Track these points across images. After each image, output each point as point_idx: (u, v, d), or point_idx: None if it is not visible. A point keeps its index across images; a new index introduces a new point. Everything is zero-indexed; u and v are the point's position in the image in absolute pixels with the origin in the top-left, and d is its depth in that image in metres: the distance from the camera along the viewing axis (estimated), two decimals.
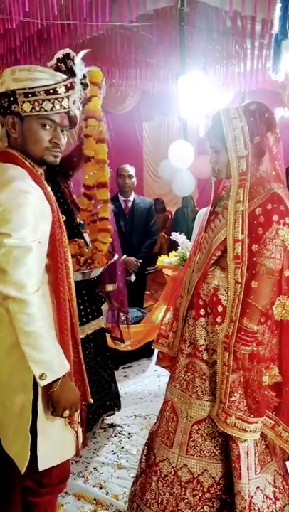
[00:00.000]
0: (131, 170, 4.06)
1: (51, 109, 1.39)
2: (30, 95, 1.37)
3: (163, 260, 3.80)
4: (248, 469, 1.63)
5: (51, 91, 1.38)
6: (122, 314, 2.71)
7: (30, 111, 1.37)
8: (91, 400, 1.65)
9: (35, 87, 1.37)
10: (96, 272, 2.28)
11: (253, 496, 1.63)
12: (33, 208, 1.33)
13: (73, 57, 1.48)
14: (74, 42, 4.49)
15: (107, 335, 2.69)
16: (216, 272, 1.70)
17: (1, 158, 1.41)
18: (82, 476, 2.38)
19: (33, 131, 1.41)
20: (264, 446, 1.71)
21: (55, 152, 1.45)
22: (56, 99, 1.39)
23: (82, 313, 2.37)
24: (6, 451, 1.47)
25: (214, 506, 1.74)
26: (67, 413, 1.41)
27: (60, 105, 1.40)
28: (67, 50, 1.49)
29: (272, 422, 1.67)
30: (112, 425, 2.84)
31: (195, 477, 1.72)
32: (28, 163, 1.41)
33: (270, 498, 1.67)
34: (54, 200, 1.47)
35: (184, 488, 1.73)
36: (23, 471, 1.42)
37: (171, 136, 7.99)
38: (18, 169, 1.38)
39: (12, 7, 3.12)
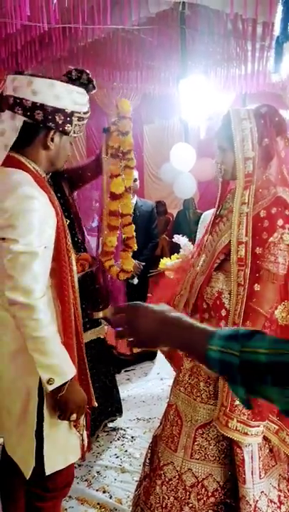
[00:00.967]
0: (135, 173, 4.06)
1: (80, 131, 1.49)
2: (81, 120, 1.47)
3: (165, 263, 3.79)
4: (252, 474, 1.62)
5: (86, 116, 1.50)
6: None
7: (75, 132, 1.47)
8: (95, 403, 1.65)
9: (85, 113, 1.48)
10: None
11: (257, 501, 1.62)
12: (39, 214, 1.34)
13: (90, 77, 1.53)
14: (75, 45, 4.51)
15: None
16: (220, 276, 1.69)
17: (5, 162, 1.41)
18: (86, 480, 2.37)
19: (66, 149, 1.51)
20: (268, 450, 1.70)
21: None
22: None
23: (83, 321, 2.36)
24: (10, 456, 1.47)
25: (219, 511, 1.73)
26: (74, 416, 1.42)
27: None
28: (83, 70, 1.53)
29: (276, 427, 1.66)
30: (115, 429, 2.84)
31: (199, 481, 1.71)
32: (31, 167, 1.42)
33: (274, 503, 1.66)
34: (58, 204, 1.48)
35: (188, 493, 1.72)
36: (28, 476, 1.42)
37: (172, 138, 7.99)
38: (22, 174, 1.38)
39: (14, 11, 3.13)
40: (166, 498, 1.75)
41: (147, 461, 1.92)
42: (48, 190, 1.44)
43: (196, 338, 0.77)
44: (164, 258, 4.21)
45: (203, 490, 1.71)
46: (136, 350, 3.43)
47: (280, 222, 1.58)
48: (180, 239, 3.69)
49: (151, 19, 4.18)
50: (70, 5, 3.35)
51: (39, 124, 1.40)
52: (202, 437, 1.72)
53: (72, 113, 1.43)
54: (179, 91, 4.30)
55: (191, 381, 1.75)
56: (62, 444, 1.48)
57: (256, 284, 1.60)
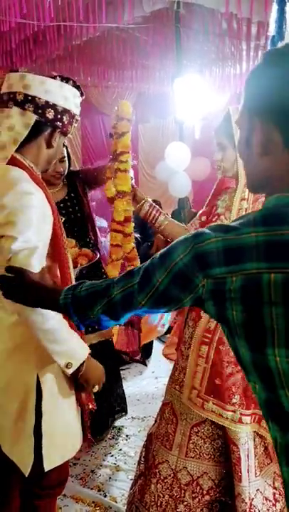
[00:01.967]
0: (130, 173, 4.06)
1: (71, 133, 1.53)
2: (76, 122, 1.50)
3: None
4: (248, 472, 1.63)
5: None
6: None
7: (70, 134, 1.50)
8: (94, 406, 1.66)
9: (78, 115, 1.50)
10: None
11: (253, 499, 1.63)
12: (37, 210, 1.34)
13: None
14: (70, 44, 4.49)
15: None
16: None
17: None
18: (81, 479, 2.37)
19: (61, 148, 1.54)
20: (263, 449, 1.70)
21: None
22: None
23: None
24: (5, 455, 1.46)
25: (214, 509, 1.74)
26: (96, 388, 1.49)
27: None
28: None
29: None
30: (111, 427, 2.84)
31: (194, 479, 1.72)
32: (27, 164, 1.42)
33: (269, 500, 1.67)
34: (53, 202, 1.47)
35: (183, 491, 1.72)
36: (27, 474, 1.41)
37: (166, 137, 7.99)
38: (19, 170, 1.38)
39: (8, 9, 3.12)
40: (161, 496, 1.75)
41: (142, 459, 1.93)
42: (44, 187, 1.44)
43: (53, 292, 1.07)
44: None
45: (198, 488, 1.72)
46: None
47: None
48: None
49: (146, 18, 4.18)
50: (65, 3, 3.35)
51: (47, 123, 1.41)
52: (197, 435, 1.72)
53: (74, 115, 1.47)
54: (174, 90, 4.31)
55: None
56: (60, 441, 1.48)
57: None
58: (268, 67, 0.81)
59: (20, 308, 1.29)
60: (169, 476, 1.75)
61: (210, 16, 4.22)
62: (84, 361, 1.42)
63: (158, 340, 3.92)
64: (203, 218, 1.86)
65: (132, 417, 2.97)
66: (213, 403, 1.65)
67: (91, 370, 1.46)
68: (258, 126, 0.82)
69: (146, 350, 3.60)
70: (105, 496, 2.25)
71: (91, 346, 2.33)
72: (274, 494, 1.70)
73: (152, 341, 3.79)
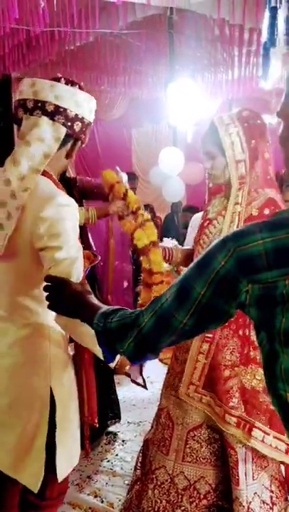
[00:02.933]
0: (124, 176, 4.06)
1: None
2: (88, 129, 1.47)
3: None
4: (245, 475, 1.63)
5: None
6: None
7: None
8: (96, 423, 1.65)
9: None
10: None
11: (251, 502, 1.63)
12: (74, 222, 1.35)
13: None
14: (63, 49, 4.51)
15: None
16: None
17: None
18: (77, 485, 2.36)
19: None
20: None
21: None
22: None
23: None
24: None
25: None
26: None
27: None
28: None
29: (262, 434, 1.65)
30: (106, 433, 2.83)
31: (191, 484, 1.72)
32: (54, 177, 1.43)
33: (267, 504, 1.67)
34: None
35: (180, 496, 1.72)
36: (36, 490, 1.39)
37: (160, 142, 8.02)
38: (51, 183, 1.39)
39: (2, 14, 3.12)
40: (159, 501, 1.75)
41: (139, 464, 1.92)
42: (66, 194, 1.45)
43: (90, 312, 1.02)
44: None
45: (195, 493, 1.71)
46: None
47: None
48: (168, 242, 3.71)
49: (139, 24, 4.21)
50: (59, 8, 3.36)
51: (73, 135, 1.40)
52: (194, 440, 1.72)
53: (90, 123, 1.46)
54: (167, 95, 4.33)
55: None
56: (69, 449, 1.47)
57: None
58: None
59: (67, 321, 1.26)
60: (166, 481, 1.75)
61: (202, 22, 4.25)
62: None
63: None
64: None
65: (128, 422, 2.96)
66: (211, 397, 1.66)
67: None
68: None
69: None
70: (102, 502, 2.24)
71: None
72: (271, 497, 1.70)
73: None
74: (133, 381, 2.87)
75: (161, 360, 2.35)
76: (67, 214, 1.32)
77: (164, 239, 3.75)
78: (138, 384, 2.51)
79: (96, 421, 1.63)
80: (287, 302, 0.71)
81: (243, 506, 1.62)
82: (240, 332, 1.63)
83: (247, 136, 1.63)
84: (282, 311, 0.72)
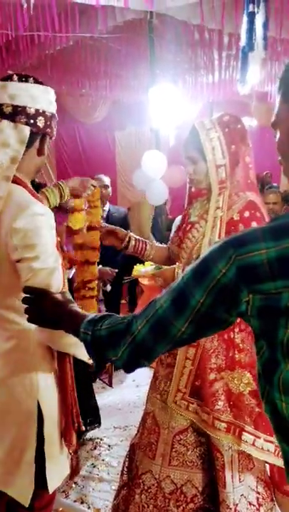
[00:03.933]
0: (106, 180, 4.05)
1: None
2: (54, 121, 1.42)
3: (139, 269, 3.79)
4: (232, 478, 1.64)
5: None
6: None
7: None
8: (83, 428, 1.64)
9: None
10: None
11: (237, 504, 1.64)
12: (50, 231, 1.31)
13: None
14: (43, 53, 4.49)
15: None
16: None
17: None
18: (64, 491, 2.34)
19: (47, 153, 1.45)
20: (246, 454, 1.71)
21: None
22: None
23: None
24: None
25: None
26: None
27: None
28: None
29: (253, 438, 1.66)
30: (92, 438, 2.81)
31: (178, 488, 1.72)
32: (29, 184, 1.39)
33: (253, 505, 1.68)
34: None
35: (167, 500, 1.72)
36: (27, 504, 1.37)
37: (143, 145, 8.04)
38: (24, 191, 1.34)
39: None
40: (146, 506, 1.74)
41: (125, 469, 1.91)
42: (40, 200, 1.41)
43: (75, 322, 0.99)
44: (138, 265, 4.21)
45: (182, 496, 1.71)
46: None
47: (253, 224, 1.62)
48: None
49: (119, 28, 4.22)
50: (38, 12, 3.34)
51: (38, 132, 1.35)
52: (180, 443, 1.72)
53: (56, 116, 1.41)
54: (149, 99, 4.35)
55: (167, 388, 1.76)
56: (58, 461, 1.45)
57: None
58: None
59: (50, 333, 1.24)
60: (153, 485, 1.74)
61: (183, 27, 4.28)
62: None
63: None
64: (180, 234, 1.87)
65: (114, 427, 2.95)
66: (198, 404, 1.66)
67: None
68: None
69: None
70: (89, 508, 2.22)
71: None
72: (257, 499, 1.71)
73: None
74: (99, 378, 2.85)
75: None
76: (42, 223, 1.28)
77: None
78: (102, 381, 2.47)
79: (82, 426, 1.61)
80: None
81: (230, 508, 1.63)
82: (226, 336, 1.64)
83: (227, 140, 1.65)
84: (286, 323, 0.69)
